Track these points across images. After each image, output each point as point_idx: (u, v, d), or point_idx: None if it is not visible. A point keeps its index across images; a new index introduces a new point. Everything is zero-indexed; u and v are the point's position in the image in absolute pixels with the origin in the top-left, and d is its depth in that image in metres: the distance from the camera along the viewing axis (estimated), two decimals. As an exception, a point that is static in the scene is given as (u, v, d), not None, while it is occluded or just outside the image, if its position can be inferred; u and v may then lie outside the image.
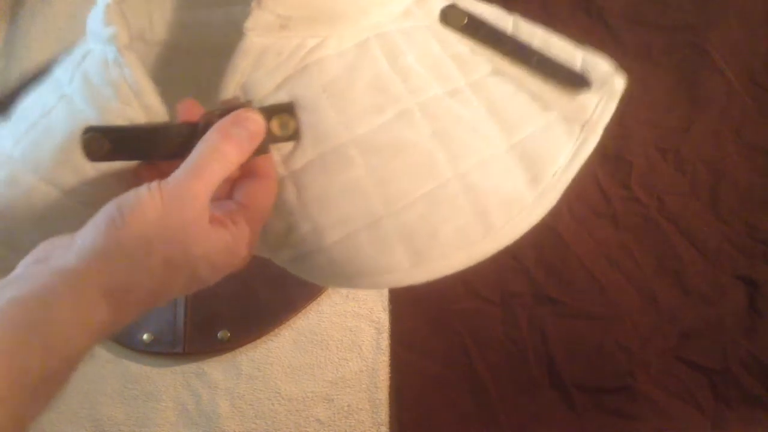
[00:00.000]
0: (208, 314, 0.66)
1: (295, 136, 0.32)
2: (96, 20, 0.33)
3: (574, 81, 0.34)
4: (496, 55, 0.34)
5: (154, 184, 0.29)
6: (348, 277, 0.33)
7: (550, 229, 0.68)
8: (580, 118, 0.34)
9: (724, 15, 0.73)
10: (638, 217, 0.68)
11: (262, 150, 0.31)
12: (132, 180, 0.32)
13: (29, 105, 0.35)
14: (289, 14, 0.31)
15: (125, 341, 0.66)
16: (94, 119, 0.31)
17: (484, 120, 0.34)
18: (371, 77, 0.32)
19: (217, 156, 0.30)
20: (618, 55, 0.73)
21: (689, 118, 0.71)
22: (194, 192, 0.29)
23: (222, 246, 0.30)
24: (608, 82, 0.35)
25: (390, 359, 0.65)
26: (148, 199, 0.28)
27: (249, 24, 0.31)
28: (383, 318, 0.66)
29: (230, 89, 0.32)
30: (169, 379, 0.65)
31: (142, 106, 0.32)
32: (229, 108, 0.31)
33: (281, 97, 0.32)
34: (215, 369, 0.66)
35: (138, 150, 0.31)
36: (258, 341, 0.66)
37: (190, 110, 0.32)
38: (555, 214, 0.70)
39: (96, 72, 0.32)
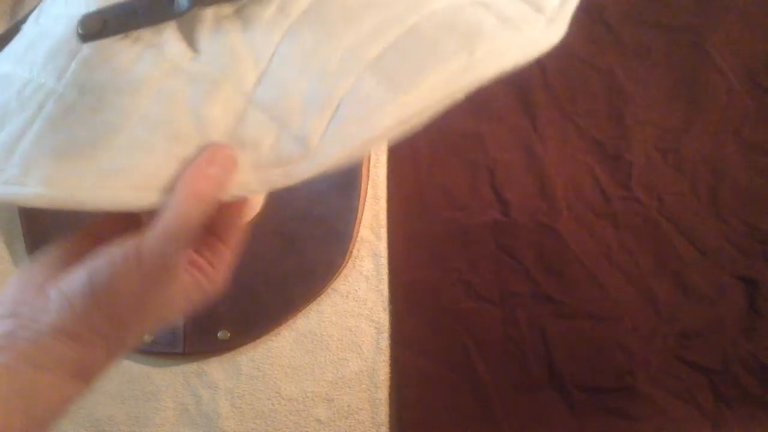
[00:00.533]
0: (208, 314, 0.66)
1: None
2: None
3: None
4: None
5: (131, 251, 0.28)
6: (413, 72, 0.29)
7: (550, 229, 0.68)
8: None
9: (724, 15, 0.72)
10: (638, 217, 0.68)
11: None
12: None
13: (26, 29, 0.34)
14: None
15: (125, 341, 0.66)
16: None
17: None
18: None
19: (195, 202, 0.28)
20: (618, 55, 0.74)
21: (689, 118, 0.71)
22: (172, 259, 0.29)
23: (193, 289, 0.31)
24: None
25: (390, 359, 0.65)
26: (123, 272, 0.28)
27: None
28: (383, 318, 0.66)
29: None
30: (169, 379, 0.65)
31: None
32: None
33: None
34: (215, 369, 0.66)
35: (132, 19, 0.30)
36: (258, 341, 0.66)
37: None
38: (555, 214, 0.70)
39: None
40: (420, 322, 0.66)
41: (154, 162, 0.29)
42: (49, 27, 0.32)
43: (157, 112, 0.29)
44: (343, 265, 0.68)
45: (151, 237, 0.28)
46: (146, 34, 0.30)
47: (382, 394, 0.64)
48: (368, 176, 0.70)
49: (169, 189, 0.28)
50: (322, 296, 0.67)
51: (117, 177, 0.28)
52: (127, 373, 0.66)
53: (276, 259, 0.67)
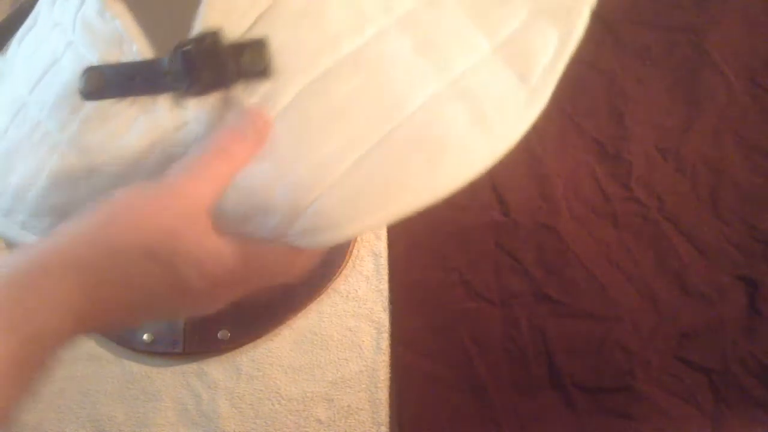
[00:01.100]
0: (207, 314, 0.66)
1: (266, 71, 0.31)
2: None
3: None
4: None
5: (148, 182, 0.29)
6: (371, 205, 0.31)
7: (550, 229, 0.68)
8: (562, 7, 0.34)
9: (724, 15, 0.72)
10: (638, 217, 0.68)
11: None
12: None
13: (36, 49, 0.36)
14: None
15: (125, 341, 0.66)
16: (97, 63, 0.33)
17: (463, 25, 0.32)
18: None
19: (224, 157, 0.29)
20: (618, 55, 0.74)
21: (689, 118, 0.71)
22: (190, 191, 0.28)
23: (217, 255, 0.30)
24: None
25: (390, 359, 0.65)
26: (139, 192, 0.28)
27: None
28: (383, 318, 0.66)
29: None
30: (169, 379, 0.65)
31: (132, 52, 0.32)
32: (199, 39, 0.30)
33: (256, 33, 0.31)
34: (215, 369, 0.66)
35: (130, 84, 0.32)
36: (258, 341, 0.66)
37: None
38: (555, 214, 0.70)
39: (94, 19, 0.33)
40: (420, 322, 0.66)
41: None
42: (61, 52, 0.34)
43: (140, 179, 0.31)
44: (343, 265, 0.68)
45: (172, 168, 0.30)
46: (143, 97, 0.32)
47: (382, 394, 0.64)
48: (368, 176, 0.70)
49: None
50: (322, 296, 0.67)
51: None
52: (127, 373, 0.66)
53: (276, 259, 0.67)
